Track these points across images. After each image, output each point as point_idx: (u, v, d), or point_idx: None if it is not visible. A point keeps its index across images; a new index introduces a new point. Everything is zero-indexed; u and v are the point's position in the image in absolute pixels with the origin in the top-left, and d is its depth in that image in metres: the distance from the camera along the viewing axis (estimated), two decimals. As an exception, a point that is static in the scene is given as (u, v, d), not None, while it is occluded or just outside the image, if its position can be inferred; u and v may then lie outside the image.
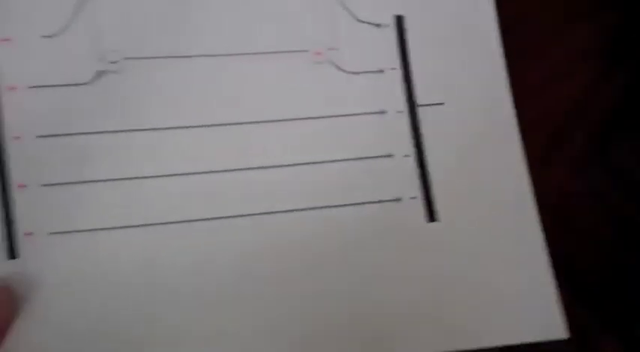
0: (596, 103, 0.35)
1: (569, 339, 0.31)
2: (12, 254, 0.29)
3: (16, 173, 0.30)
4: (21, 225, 0.29)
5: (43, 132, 0.30)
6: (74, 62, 0.31)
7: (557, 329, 0.31)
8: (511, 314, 0.31)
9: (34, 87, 0.31)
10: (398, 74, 0.33)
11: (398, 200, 0.32)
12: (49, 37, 0.31)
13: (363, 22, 0.34)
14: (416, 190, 0.32)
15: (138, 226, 0.30)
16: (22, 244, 0.29)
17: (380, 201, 0.32)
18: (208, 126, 0.32)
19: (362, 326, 0.30)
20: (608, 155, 0.34)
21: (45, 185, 0.30)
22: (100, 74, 0.31)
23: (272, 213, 0.31)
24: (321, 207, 0.31)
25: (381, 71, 0.33)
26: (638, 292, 0.33)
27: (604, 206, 0.34)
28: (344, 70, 0.33)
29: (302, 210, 0.31)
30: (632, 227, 0.34)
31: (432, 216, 0.32)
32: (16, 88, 0.30)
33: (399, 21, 0.34)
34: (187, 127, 0.31)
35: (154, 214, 0.30)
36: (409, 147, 0.33)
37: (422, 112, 0.33)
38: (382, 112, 0.33)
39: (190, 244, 0.30)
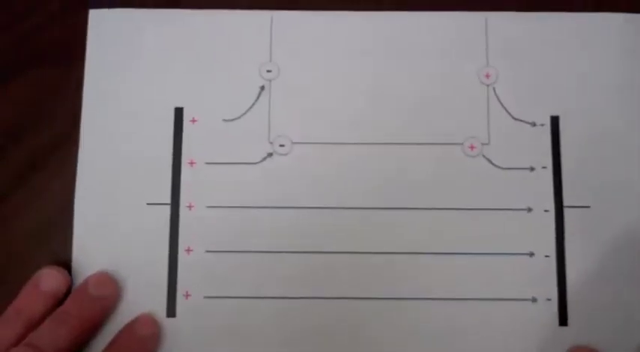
0: None
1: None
2: (171, 312, 0.33)
3: (185, 238, 0.33)
4: (181, 287, 0.33)
5: (212, 203, 0.34)
6: (248, 144, 0.34)
7: None
8: None
9: (210, 163, 0.34)
10: (548, 173, 0.34)
11: (534, 300, 0.33)
12: (229, 120, 0.34)
13: (519, 120, 0.35)
14: (552, 292, 0.33)
15: (280, 298, 0.33)
16: (180, 304, 0.33)
17: (516, 299, 0.33)
18: (361, 208, 0.34)
19: None
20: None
21: (208, 251, 0.33)
22: (269, 155, 0.34)
23: (406, 299, 0.33)
24: (458, 299, 0.33)
25: (532, 169, 0.34)
26: None
27: None
28: (496, 165, 0.34)
29: (439, 299, 0.33)
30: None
31: (564, 319, 0.33)
32: (194, 163, 0.34)
33: (555, 121, 0.35)
34: (341, 209, 0.34)
35: (297, 288, 0.33)
36: (551, 248, 0.34)
37: (567, 214, 0.34)
38: (529, 210, 0.34)
39: (326, 320, 0.33)
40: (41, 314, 0.31)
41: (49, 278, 0.32)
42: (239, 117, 0.34)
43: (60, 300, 0.32)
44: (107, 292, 0.32)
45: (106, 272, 0.33)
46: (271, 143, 0.34)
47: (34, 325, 0.30)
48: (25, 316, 0.31)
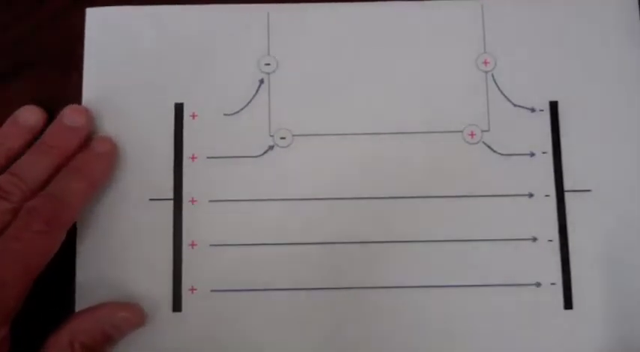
0: None
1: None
2: (176, 307, 0.33)
3: (188, 232, 0.34)
4: (187, 281, 0.33)
5: (215, 197, 0.34)
6: (248, 137, 0.34)
7: None
8: None
9: (211, 157, 0.34)
10: (548, 158, 0.34)
11: (538, 285, 0.33)
12: (229, 115, 0.34)
13: (518, 106, 0.35)
14: (556, 276, 0.33)
15: (286, 290, 0.33)
16: (186, 298, 0.33)
17: (520, 284, 0.33)
18: (364, 198, 0.34)
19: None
20: None
21: (213, 245, 0.33)
22: (270, 148, 0.34)
23: (412, 287, 0.33)
24: (463, 286, 0.33)
25: (532, 154, 0.34)
26: None
27: None
28: (496, 152, 0.34)
29: (443, 286, 0.33)
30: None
31: (569, 303, 0.33)
32: (196, 157, 0.34)
33: (554, 106, 0.35)
34: (344, 199, 0.34)
35: (302, 280, 0.33)
36: (553, 232, 0.34)
37: (569, 198, 0.34)
38: (530, 195, 0.34)
39: (334, 311, 0.33)
40: (20, 147, 0.32)
41: (27, 113, 0.33)
42: (239, 111, 0.34)
43: (38, 135, 0.33)
44: (81, 121, 0.33)
45: (79, 105, 0.34)
46: (272, 136, 0.34)
47: (12, 157, 0.32)
48: (5, 148, 0.32)
